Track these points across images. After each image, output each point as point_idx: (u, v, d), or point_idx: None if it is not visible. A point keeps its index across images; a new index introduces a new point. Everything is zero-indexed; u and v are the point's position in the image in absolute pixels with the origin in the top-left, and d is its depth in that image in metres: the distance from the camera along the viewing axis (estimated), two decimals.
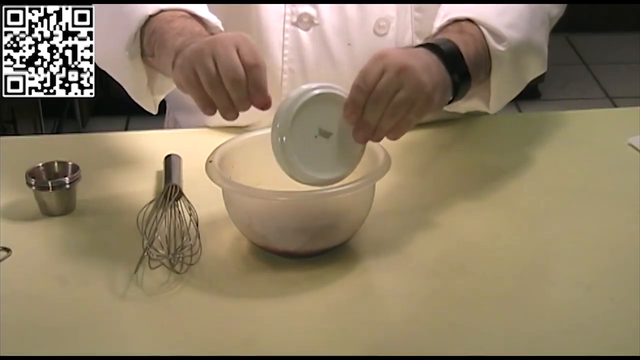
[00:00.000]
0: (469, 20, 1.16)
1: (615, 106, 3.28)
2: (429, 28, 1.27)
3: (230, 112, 1.01)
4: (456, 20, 1.17)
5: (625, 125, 1.35)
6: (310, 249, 1.04)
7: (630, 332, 0.93)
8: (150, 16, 1.15)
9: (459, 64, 1.09)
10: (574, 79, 3.59)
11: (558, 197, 1.20)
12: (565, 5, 1.32)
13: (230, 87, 0.99)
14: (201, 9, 1.17)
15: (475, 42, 1.14)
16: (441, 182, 1.21)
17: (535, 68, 1.26)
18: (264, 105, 1.00)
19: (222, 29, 1.16)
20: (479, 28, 1.16)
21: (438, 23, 1.20)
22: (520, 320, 0.96)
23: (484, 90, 1.21)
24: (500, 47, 1.16)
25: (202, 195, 1.11)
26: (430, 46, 1.09)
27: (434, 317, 0.97)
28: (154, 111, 1.27)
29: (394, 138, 1.03)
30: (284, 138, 0.99)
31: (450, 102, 1.11)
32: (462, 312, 0.97)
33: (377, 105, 1.00)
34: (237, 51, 1.00)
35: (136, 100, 1.25)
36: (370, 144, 1.07)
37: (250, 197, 1.02)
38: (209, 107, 1.01)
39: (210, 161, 1.04)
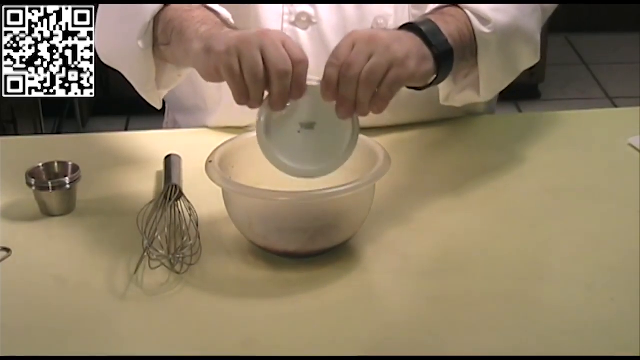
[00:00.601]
0: (454, 6, 1.15)
1: (615, 106, 3.28)
2: None
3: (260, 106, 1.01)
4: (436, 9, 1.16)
5: (625, 125, 1.35)
6: (310, 249, 1.04)
7: (630, 332, 0.93)
8: (165, 6, 1.15)
9: (435, 36, 1.08)
10: (574, 79, 3.59)
11: (558, 197, 1.20)
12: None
13: (276, 79, 0.98)
14: (216, 6, 1.16)
15: (457, 22, 1.14)
16: (441, 182, 1.21)
17: (527, 57, 1.25)
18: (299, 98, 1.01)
19: (233, 22, 1.16)
20: (464, 11, 1.15)
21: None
22: (520, 320, 0.96)
23: (476, 80, 1.20)
24: (486, 29, 1.15)
25: (202, 195, 1.11)
26: (403, 26, 1.09)
27: (434, 317, 0.97)
28: (159, 106, 1.27)
29: (379, 110, 1.01)
30: (268, 141, 1.02)
31: (436, 79, 1.09)
32: (462, 312, 0.97)
33: (349, 74, 0.99)
34: (284, 46, 1.00)
35: (142, 94, 1.25)
36: (370, 144, 1.07)
37: (250, 197, 1.02)
38: (245, 97, 1.01)
39: (210, 161, 1.04)
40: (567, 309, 0.97)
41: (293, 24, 1.28)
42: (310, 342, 0.93)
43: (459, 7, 1.15)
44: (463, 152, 1.29)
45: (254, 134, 1.11)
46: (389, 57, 1.01)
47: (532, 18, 1.23)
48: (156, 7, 1.15)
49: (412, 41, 1.06)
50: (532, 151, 1.29)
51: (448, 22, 1.12)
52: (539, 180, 1.23)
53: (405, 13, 1.29)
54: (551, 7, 1.30)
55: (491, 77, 1.20)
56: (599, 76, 3.62)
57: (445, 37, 1.09)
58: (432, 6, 1.20)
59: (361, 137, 1.09)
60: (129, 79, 1.23)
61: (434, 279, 1.03)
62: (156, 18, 1.15)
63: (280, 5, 1.27)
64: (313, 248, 1.04)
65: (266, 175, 1.07)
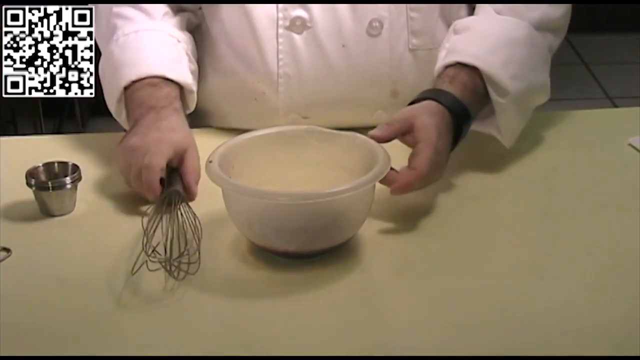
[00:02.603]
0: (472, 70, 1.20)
1: (615, 106, 3.27)
2: (425, 28, 1.28)
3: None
4: (459, 63, 1.20)
5: (625, 125, 1.35)
6: (310, 249, 1.04)
7: (630, 332, 0.93)
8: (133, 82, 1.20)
9: (468, 124, 1.18)
10: (574, 79, 3.59)
11: (558, 197, 1.20)
12: (565, 30, 1.34)
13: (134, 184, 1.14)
14: (176, 72, 1.23)
15: (481, 99, 1.20)
16: (441, 182, 1.21)
17: (538, 101, 1.29)
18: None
19: (193, 89, 1.26)
20: (482, 80, 1.20)
21: (442, 55, 1.23)
22: (520, 320, 0.96)
23: (494, 125, 1.25)
24: (503, 100, 1.21)
25: (202, 195, 1.11)
26: (452, 114, 1.15)
27: (434, 317, 0.97)
28: None
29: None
30: None
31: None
32: (462, 312, 0.97)
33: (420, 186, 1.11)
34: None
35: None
36: (370, 143, 1.09)
37: (250, 197, 1.02)
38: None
39: (210, 161, 1.04)
40: (567, 309, 0.97)
41: (288, 28, 1.28)
42: (310, 342, 0.93)
43: (476, 72, 1.20)
44: (462, 152, 1.28)
45: (254, 134, 1.11)
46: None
47: (543, 70, 1.28)
48: (122, 87, 1.21)
49: (449, 136, 1.15)
50: (532, 151, 1.29)
51: (474, 104, 1.18)
52: (539, 180, 1.23)
53: (402, 16, 1.29)
54: (557, 46, 1.34)
55: (511, 130, 1.25)
56: (599, 76, 3.62)
57: (472, 117, 1.18)
58: (449, 42, 1.24)
59: (361, 137, 1.10)
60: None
61: (434, 279, 1.03)
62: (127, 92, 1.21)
63: (274, 11, 1.27)
64: (313, 248, 1.04)
65: (266, 176, 1.08)
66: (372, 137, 1.10)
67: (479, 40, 1.23)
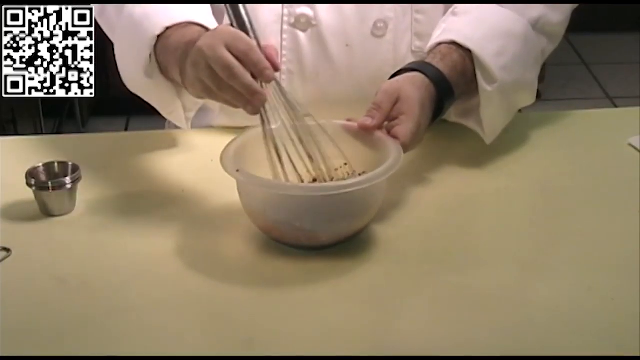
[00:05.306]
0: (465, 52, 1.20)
1: (615, 106, 3.28)
2: (429, 30, 1.28)
3: (248, 105, 1.04)
4: (454, 42, 1.20)
5: (625, 125, 1.35)
6: (323, 242, 1.04)
7: (630, 332, 0.93)
8: (159, 36, 1.15)
9: (450, 102, 1.18)
10: (574, 79, 3.59)
11: (558, 197, 1.20)
12: (560, 38, 1.35)
13: (233, 83, 1.01)
14: (202, 19, 1.18)
15: (467, 83, 1.20)
16: (441, 182, 1.21)
17: (525, 101, 1.29)
18: (273, 75, 1.04)
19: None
20: (473, 67, 1.20)
21: (437, 34, 1.23)
22: (520, 320, 0.96)
23: (478, 120, 1.25)
24: (489, 88, 1.21)
25: (206, 192, 1.11)
26: (436, 89, 1.15)
27: (434, 317, 0.97)
28: (186, 127, 1.28)
29: None
30: None
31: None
32: (462, 312, 0.97)
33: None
34: (227, 46, 1.01)
35: (168, 118, 1.27)
36: (378, 135, 1.10)
37: (266, 189, 1.02)
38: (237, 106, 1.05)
39: (237, 170, 1.03)
40: (567, 309, 0.97)
41: (292, 25, 1.28)
42: (310, 339, 0.93)
43: (469, 55, 1.20)
44: (463, 152, 1.29)
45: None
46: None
47: (533, 69, 1.28)
48: (153, 38, 1.15)
49: (431, 111, 1.15)
50: (532, 151, 1.29)
51: (458, 84, 1.18)
52: (538, 180, 1.23)
53: (407, 18, 1.29)
54: (550, 50, 1.34)
55: (493, 124, 1.25)
56: (599, 76, 3.62)
57: (455, 96, 1.18)
58: (445, 22, 1.24)
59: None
60: (152, 104, 1.25)
61: (434, 279, 1.03)
62: (155, 48, 1.16)
63: (279, 7, 1.27)
64: (327, 241, 1.04)
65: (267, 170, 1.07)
66: (364, 128, 1.10)
67: (477, 25, 1.23)
